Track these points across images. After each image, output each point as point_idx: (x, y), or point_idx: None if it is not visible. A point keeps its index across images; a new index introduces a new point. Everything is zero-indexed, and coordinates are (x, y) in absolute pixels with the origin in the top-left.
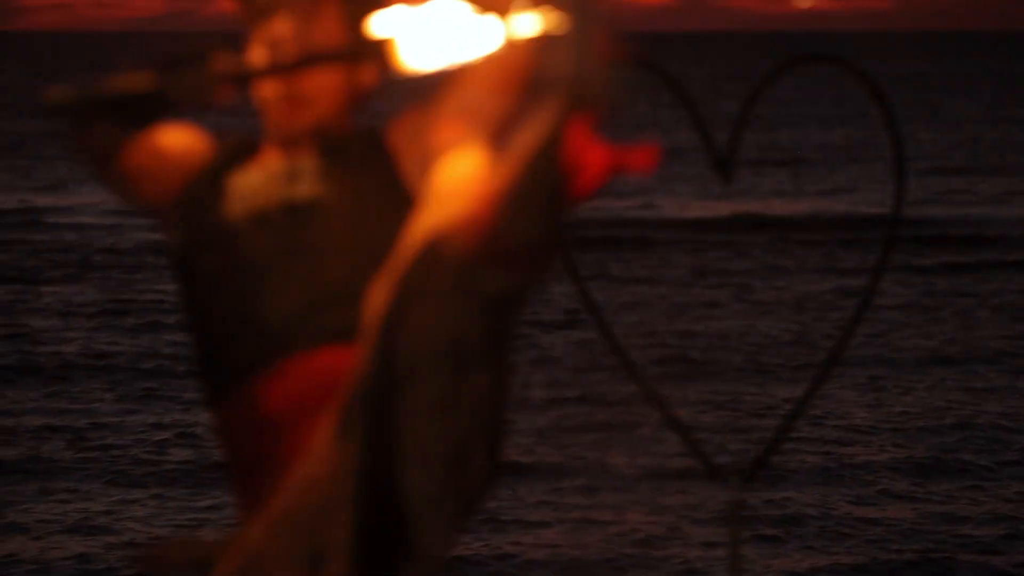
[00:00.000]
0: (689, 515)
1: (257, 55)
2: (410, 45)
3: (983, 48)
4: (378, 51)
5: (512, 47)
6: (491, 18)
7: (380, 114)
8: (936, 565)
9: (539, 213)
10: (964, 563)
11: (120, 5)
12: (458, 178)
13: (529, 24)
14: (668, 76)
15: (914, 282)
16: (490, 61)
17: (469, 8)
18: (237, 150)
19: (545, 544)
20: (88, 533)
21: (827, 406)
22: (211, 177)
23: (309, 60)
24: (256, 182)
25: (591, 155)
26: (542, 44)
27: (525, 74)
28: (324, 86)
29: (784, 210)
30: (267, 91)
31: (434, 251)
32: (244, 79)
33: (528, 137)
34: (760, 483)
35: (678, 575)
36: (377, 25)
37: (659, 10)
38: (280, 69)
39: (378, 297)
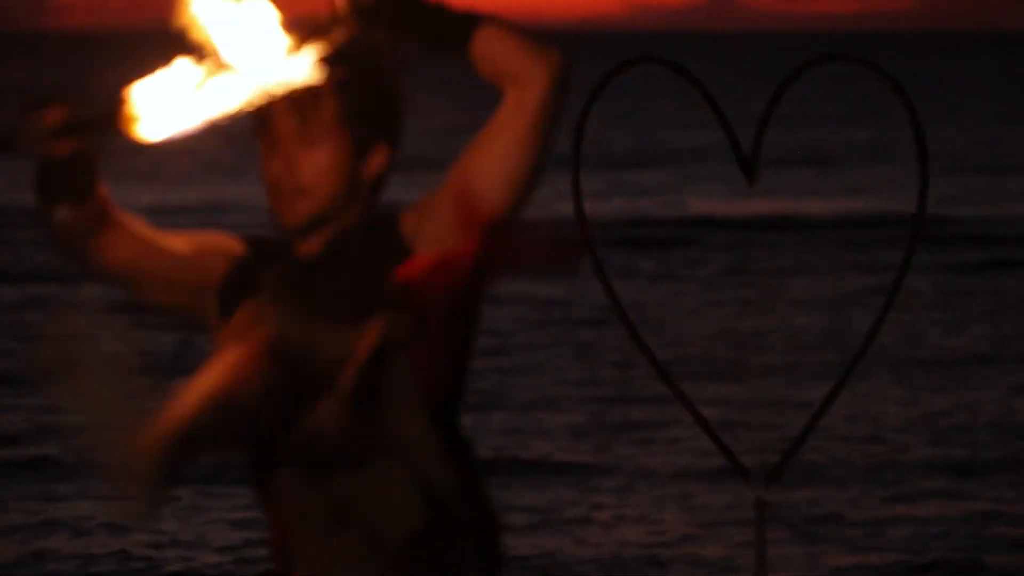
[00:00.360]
0: (726, 514)
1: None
2: (154, 114)
3: (1006, 48)
4: (116, 119)
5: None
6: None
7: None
8: (971, 564)
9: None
10: (1000, 563)
11: (150, 5)
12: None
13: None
14: (692, 75)
15: (943, 281)
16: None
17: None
18: (268, 248)
19: (581, 542)
20: (128, 530)
21: (860, 405)
22: (240, 283)
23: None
24: (270, 280)
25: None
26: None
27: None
28: (322, 175)
29: (811, 208)
30: (269, 181)
31: None
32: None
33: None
34: (792, 482)
35: (715, 574)
36: (126, 94)
37: (685, 11)
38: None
39: None
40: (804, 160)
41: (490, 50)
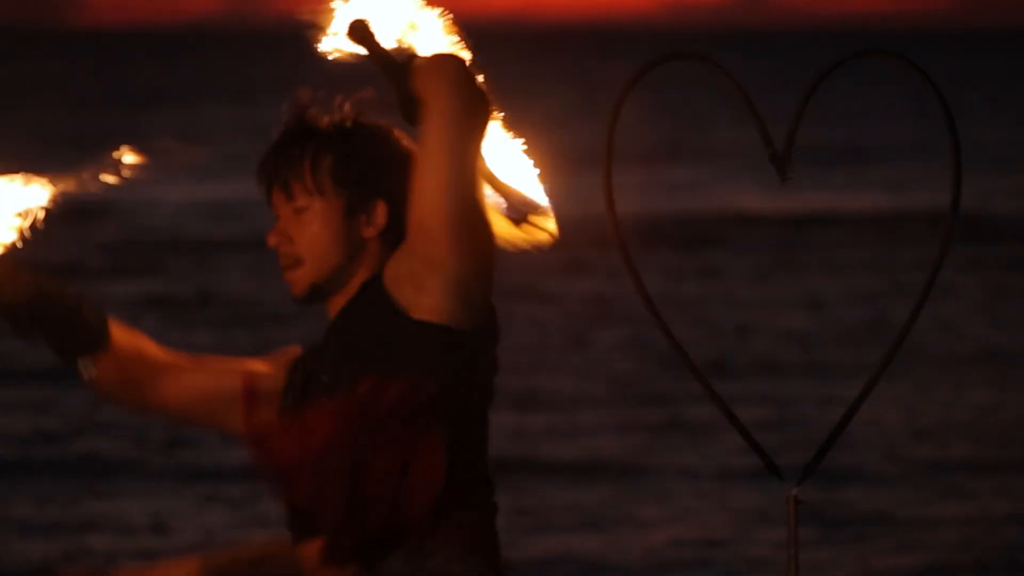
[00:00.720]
0: (767, 513)
1: None
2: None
3: None
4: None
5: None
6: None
7: None
8: (1015, 564)
9: None
10: None
11: (176, 5)
12: None
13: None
14: (727, 71)
15: (986, 277)
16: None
17: None
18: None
19: (622, 542)
20: (162, 532)
21: (904, 403)
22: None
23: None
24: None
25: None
26: None
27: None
28: (315, 243)
29: (848, 205)
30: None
31: None
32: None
33: None
34: (836, 481)
35: (756, 573)
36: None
37: (720, 9)
38: None
39: None
40: (841, 156)
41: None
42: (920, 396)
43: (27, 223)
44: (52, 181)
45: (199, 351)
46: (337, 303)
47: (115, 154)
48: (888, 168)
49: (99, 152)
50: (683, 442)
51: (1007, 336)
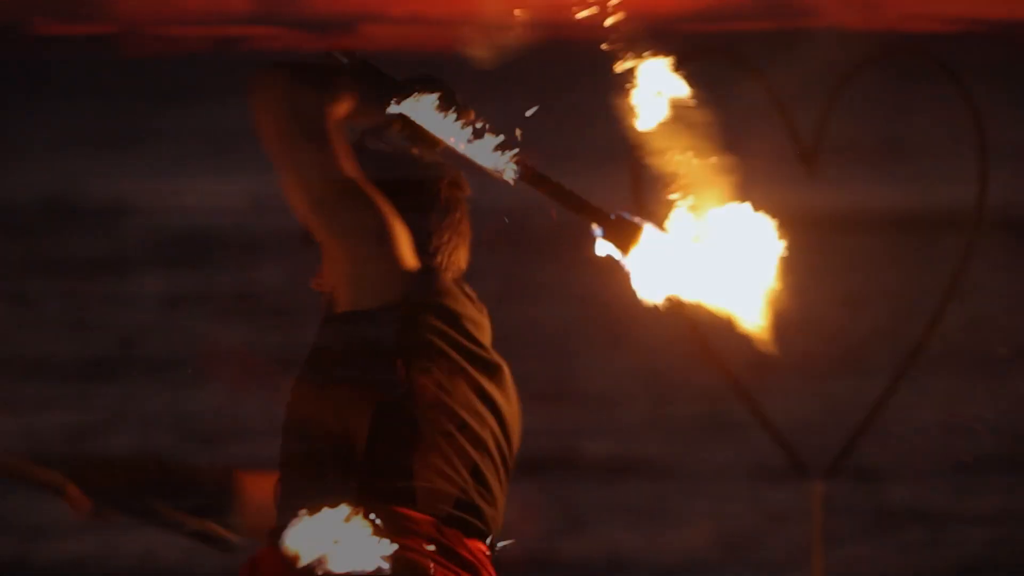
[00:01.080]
0: (795, 511)
1: None
2: None
3: None
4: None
5: None
6: None
7: None
8: None
9: None
10: None
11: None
12: None
13: None
14: (755, 69)
15: (1019, 275)
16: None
17: None
18: None
19: (648, 539)
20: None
21: (928, 400)
22: None
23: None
24: None
25: None
26: None
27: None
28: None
29: (873, 202)
30: None
31: None
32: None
33: None
34: (864, 478)
35: (783, 572)
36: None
37: (744, 8)
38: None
39: None
40: (871, 153)
41: None
42: (951, 393)
43: None
44: None
45: (237, 346)
46: None
47: None
48: (916, 165)
49: (129, 149)
50: (722, 438)
51: None
